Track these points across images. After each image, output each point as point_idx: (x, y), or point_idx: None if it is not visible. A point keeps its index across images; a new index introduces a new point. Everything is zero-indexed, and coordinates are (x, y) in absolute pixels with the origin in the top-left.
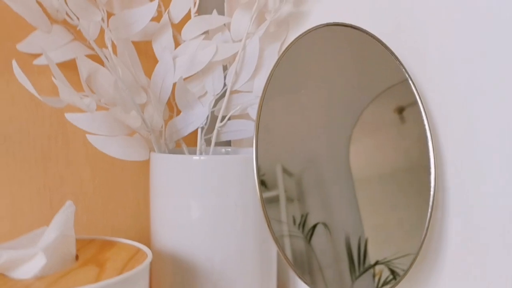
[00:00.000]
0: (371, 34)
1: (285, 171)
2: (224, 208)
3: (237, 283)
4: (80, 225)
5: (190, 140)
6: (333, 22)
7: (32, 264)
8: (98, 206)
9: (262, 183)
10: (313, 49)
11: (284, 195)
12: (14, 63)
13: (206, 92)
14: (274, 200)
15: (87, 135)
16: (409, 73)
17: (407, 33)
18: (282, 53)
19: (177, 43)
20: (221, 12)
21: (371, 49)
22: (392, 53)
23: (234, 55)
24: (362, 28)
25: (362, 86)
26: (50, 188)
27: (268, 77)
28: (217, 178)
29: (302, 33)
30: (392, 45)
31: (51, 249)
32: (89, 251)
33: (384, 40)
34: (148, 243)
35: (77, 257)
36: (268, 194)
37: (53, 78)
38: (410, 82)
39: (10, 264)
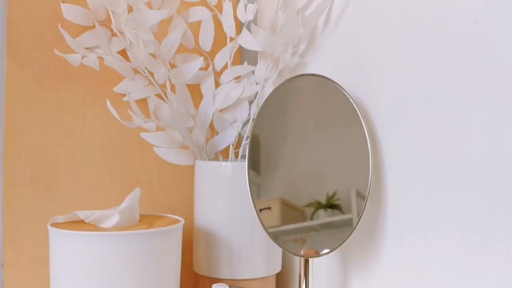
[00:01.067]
0: (334, 81)
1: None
2: (242, 200)
3: (247, 250)
4: (146, 204)
5: (225, 153)
6: (309, 73)
7: (111, 219)
8: (158, 192)
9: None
10: (296, 88)
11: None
12: (108, 102)
13: (236, 120)
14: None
15: (154, 148)
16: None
17: (362, 82)
18: (273, 90)
19: (217, 85)
20: (250, 62)
21: (334, 92)
22: (350, 96)
23: (256, 93)
24: (328, 77)
25: (324, 122)
26: (130, 180)
27: (262, 105)
28: (237, 178)
29: (287, 79)
30: (351, 90)
31: (122, 212)
32: (147, 219)
33: (344, 86)
34: (191, 220)
35: (139, 221)
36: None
37: (128, 110)
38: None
39: (99, 218)
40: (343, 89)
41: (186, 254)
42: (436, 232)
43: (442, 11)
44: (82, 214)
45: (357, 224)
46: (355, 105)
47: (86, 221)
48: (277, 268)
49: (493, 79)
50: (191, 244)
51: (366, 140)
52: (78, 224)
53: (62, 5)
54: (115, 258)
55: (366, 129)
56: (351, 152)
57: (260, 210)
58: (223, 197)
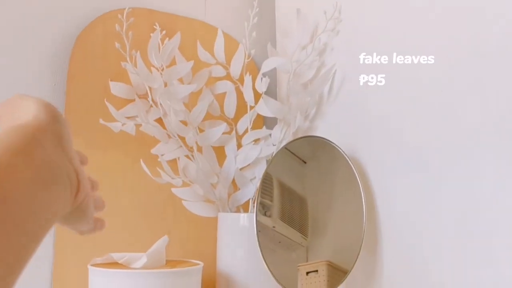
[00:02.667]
0: (334, 143)
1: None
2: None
3: None
4: (176, 251)
5: (245, 207)
6: (309, 135)
7: (140, 261)
8: (187, 241)
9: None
10: (299, 148)
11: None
12: (141, 162)
13: (255, 177)
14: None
15: (183, 201)
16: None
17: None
18: (278, 151)
19: (239, 146)
20: (271, 125)
21: (333, 153)
22: (347, 156)
23: (272, 153)
24: (328, 139)
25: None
26: (163, 230)
27: (269, 161)
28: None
29: (293, 139)
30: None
31: (150, 255)
32: (173, 262)
33: (343, 148)
34: (214, 266)
35: (165, 264)
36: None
37: (158, 168)
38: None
39: (129, 260)
40: (341, 149)
41: None
42: (426, 278)
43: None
44: (116, 256)
45: (352, 267)
46: (351, 164)
47: (119, 262)
48: None
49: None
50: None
51: (361, 196)
52: (113, 265)
53: (111, 83)
54: None
55: (361, 186)
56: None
57: (307, 273)
58: (242, 245)
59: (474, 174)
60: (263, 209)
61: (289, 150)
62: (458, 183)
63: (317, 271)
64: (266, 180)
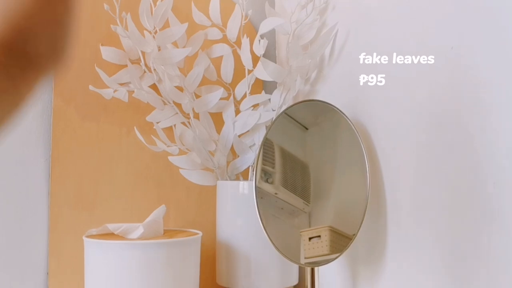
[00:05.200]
0: (335, 106)
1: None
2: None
3: (265, 265)
4: (174, 220)
5: (245, 174)
6: (310, 99)
7: (136, 231)
8: (185, 210)
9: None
10: (300, 114)
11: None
12: (135, 129)
13: (254, 143)
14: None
15: (180, 170)
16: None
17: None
18: (278, 116)
19: (237, 112)
20: (271, 90)
21: (335, 117)
22: (349, 120)
23: (272, 119)
24: (329, 103)
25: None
26: (160, 199)
27: (268, 127)
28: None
29: (293, 104)
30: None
31: (146, 225)
32: (171, 232)
33: (345, 111)
34: (213, 235)
35: (163, 234)
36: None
37: (152, 136)
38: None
39: (126, 231)
40: (342, 112)
41: (211, 267)
42: (428, 245)
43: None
44: (111, 227)
45: (357, 233)
46: (353, 127)
47: (115, 233)
48: (294, 281)
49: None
50: (214, 257)
51: (365, 160)
52: (109, 236)
53: (101, 47)
54: (138, 264)
55: (365, 151)
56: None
57: (310, 238)
58: (241, 213)
59: (478, 131)
60: (265, 176)
61: (290, 116)
62: (461, 142)
63: (319, 236)
64: (267, 147)
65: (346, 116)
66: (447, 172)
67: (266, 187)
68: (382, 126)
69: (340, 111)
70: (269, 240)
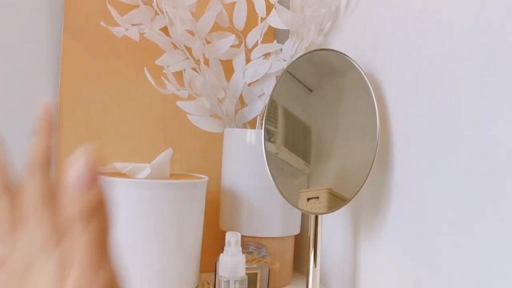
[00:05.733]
0: (348, 56)
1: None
2: (264, 165)
3: (269, 214)
4: (179, 165)
5: (252, 124)
6: (321, 48)
7: (143, 172)
8: (191, 156)
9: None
10: (304, 73)
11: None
12: (145, 70)
13: (263, 93)
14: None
15: (188, 115)
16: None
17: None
18: (287, 65)
19: (248, 61)
20: (283, 40)
21: (347, 69)
22: (363, 71)
23: (282, 69)
24: (342, 52)
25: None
26: (167, 144)
27: (279, 76)
28: (261, 145)
29: (304, 53)
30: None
31: (154, 166)
32: (177, 176)
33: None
34: (217, 182)
35: (169, 177)
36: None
37: (163, 78)
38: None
39: (133, 170)
40: (355, 62)
41: (215, 213)
42: (437, 198)
43: None
44: (119, 166)
45: (363, 184)
46: (367, 80)
47: (122, 172)
48: (296, 230)
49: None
50: (219, 204)
51: (375, 111)
52: (117, 175)
53: None
54: (145, 203)
55: (376, 101)
56: (362, 126)
57: (308, 199)
58: (247, 161)
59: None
60: (267, 135)
61: (295, 77)
62: (477, 100)
63: (318, 198)
64: (271, 106)
65: (359, 66)
66: (463, 132)
67: (268, 146)
68: (397, 84)
69: (352, 60)
70: (277, 188)
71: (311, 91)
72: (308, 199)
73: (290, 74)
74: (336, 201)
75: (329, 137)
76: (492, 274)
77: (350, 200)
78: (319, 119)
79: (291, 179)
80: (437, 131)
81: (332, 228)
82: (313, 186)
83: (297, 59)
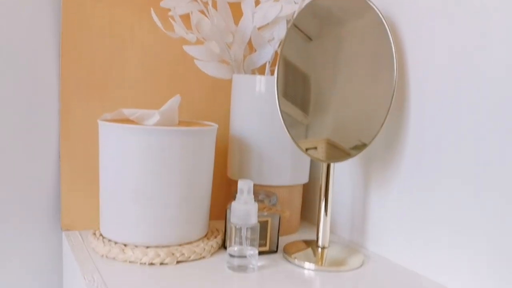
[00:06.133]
0: None
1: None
2: (274, 113)
3: (278, 162)
4: (186, 112)
5: (261, 71)
6: None
7: (152, 118)
8: (198, 103)
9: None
10: (305, 22)
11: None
12: (152, 11)
13: (273, 38)
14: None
15: (195, 60)
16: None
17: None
18: (300, 9)
19: (257, 3)
20: None
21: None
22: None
23: (293, 12)
24: None
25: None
26: (173, 90)
27: (291, 23)
28: (270, 92)
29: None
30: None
31: (162, 113)
32: (186, 123)
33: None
34: (225, 130)
35: (178, 124)
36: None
37: (170, 19)
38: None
39: (141, 117)
40: (374, 5)
41: (223, 161)
42: (451, 150)
43: None
44: (127, 112)
45: (379, 130)
46: (384, 22)
47: (130, 118)
48: (304, 179)
49: None
50: (226, 152)
51: (393, 56)
52: (125, 121)
53: None
54: (153, 150)
55: (393, 43)
56: (378, 73)
57: (307, 149)
58: (257, 109)
59: None
60: None
61: (296, 26)
62: (503, 46)
63: (316, 148)
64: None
65: (379, 11)
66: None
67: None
68: (415, 29)
69: (371, 2)
70: (288, 135)
71: (311, 39)
72: (307, 149)
73: (296, 27)
74: (335, 151)
75: (329, 87)
76: (508, 229)
77: (366, 147)
78: (318, 69)
79: (289, 130)
80: (457, 78)
81: (342, 177)
82: (311, 136)
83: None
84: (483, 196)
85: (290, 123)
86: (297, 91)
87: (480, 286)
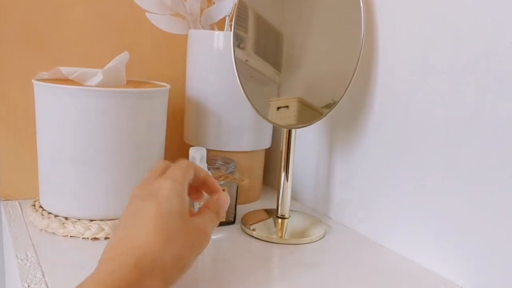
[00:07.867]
0: None
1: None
2: (234, 73)
3: (237, 126)
4: (137, 70)
5: (220, 25)
6: None
7: (94, 78)
8: (151, 60)
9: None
10: None
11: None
12: None
13: None
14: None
15: (146, 13)
16: None
17: None
18: None
19: None
20: None
21: None
22: None
23: None
24: None
25: None
26: (122, 45)
27: None
28: (230, 50)
29: None
30: None
31: (106, 72)
32: (135, 83)
33: None
34: (181, 91)
35: (126, 84)
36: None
37: None
38: None
39: (82, 76)
40: None
41: (178, 125)
42: (418, 115)
43: None
44: (65, 70)
45: (348, 87)
46: None
47: (70, 77)
48: (266, 144)
49: None
50: (182, 116)
51: (361, 10)
52: (63, 81)
53: None
54: (95, 113)
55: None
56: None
57: (278, 108)
58: (215, 68)
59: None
60: (237, 40)
61: None
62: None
63: (287, 107)
64: (241, 10)
65: None
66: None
67: (237, 52)
68: None
69: None
70: (245, 95)
71: None
72: (278, 108)
73: None
74: (307, 111)
75: (301, 44)
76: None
77: (326, 114)
78: (291, 25)
79: (260, 88)
80: (429, 38)
81: (305, 141)
82: (283, 95)
83: None
84: (451, 163)
85: (261, 80)
86: (268, 47)
87: (445, 260)
